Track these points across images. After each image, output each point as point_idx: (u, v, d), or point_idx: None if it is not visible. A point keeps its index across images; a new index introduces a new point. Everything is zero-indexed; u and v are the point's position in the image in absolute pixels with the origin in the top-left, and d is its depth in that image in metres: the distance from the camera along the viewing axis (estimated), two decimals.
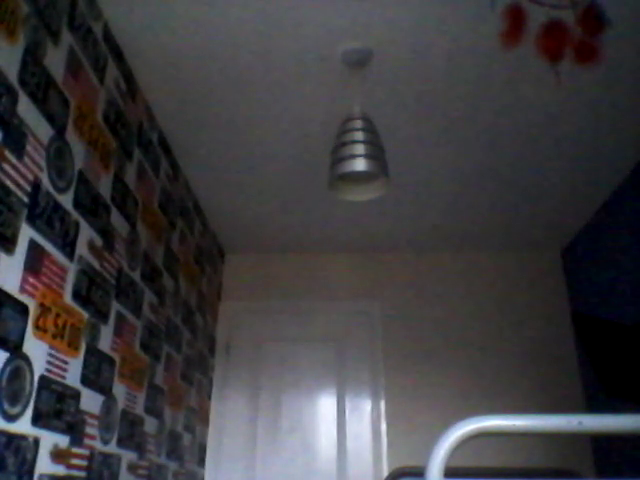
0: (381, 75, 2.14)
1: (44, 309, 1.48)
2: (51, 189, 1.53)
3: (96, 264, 1.81)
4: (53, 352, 1.53)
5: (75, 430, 1.65)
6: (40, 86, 1.48)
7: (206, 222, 3.28)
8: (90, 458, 1.75)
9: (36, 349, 1.44)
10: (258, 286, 3.61)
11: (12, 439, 1.33)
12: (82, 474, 1.69)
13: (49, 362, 1.51)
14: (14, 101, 1.37)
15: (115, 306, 1.96)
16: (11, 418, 1.33)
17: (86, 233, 1.75)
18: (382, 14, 1.87)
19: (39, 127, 1.48)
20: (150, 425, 2.28)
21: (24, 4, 1.42)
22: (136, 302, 2.16)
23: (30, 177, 1.43)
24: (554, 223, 3.25)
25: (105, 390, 1.87)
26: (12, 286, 1.34)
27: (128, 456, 2.05)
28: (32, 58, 1.45)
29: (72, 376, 1.64)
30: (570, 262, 3.46)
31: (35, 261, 1.45)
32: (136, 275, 2.16)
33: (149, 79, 2.18)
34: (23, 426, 1.38)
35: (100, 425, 1.83)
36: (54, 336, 1.53)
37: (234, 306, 3.57)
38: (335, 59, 2.06)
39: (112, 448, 1.92)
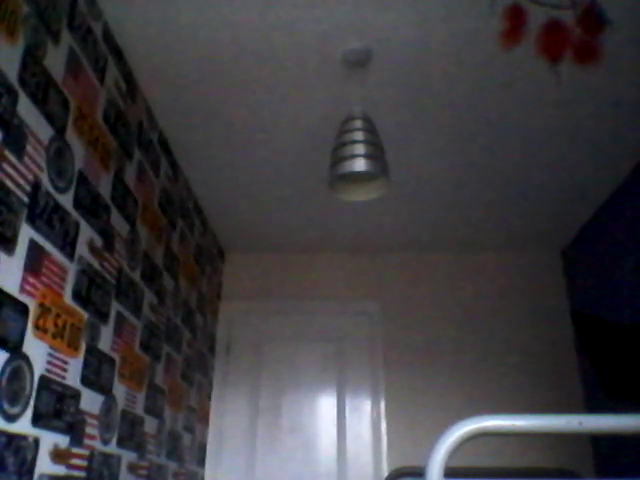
0: (381, 75, 2.14)
1: (44, 309, 1.48)
2: (51, 189, 1.53)
3: (96, 264, 1.81)
4: (53, 352, 1.53)
5: (75, 430, 1.65)
6: (40, 86, 1.48)
7: (206, 222, 3.28)
8: (90, 458, 1.75)
9: (36, 349, 1.44)
10: (258, 286, 3.61)
11: (12, 439, 1.33)
12: (82, 474, 1.69)
13: (49, 362, 1.51)
14: (14, 101, 1.37)
15: (115, 306, 1.96)
16: (11, 418, 1.33)
17: (86, 233, 1.75)
18: (382, 14, 1.87)
19: (39, 127, 1.48)
20: (150, 425, 2.28)
21: (24, 4, 1.42)
22: (136, 302, 2.16)
23: (30, 177, 1.43)
24: (554, 223, 3.25)
25: (105, 390, 1.87)
26: (12, 286, 1.34)
27: (128, 456, 2.05)
28: (32, 58, 1.45)
29: (72, 376, 1.64)
30: (570, 262, 3.46)
31: (35, 261, 1.45)
32: (136, 275, 2.16)
33: (149, 79, 2.18)
34: (23, 426, 1.38)
35: (100, 425, 1.83)
36: (54, 336, 1.53)
37: (234, 306, 3.57)
38: (335, 59, 2.06)
39: (112, 448, 1.92)
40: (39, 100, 1.48)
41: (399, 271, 3.61)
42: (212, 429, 3.26)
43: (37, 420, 1.44)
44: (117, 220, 1.99)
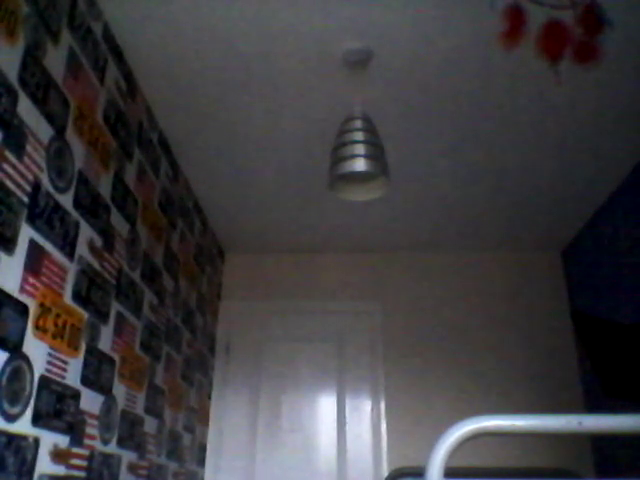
0: (381, 75, 2.14)
1: (44, 309, 1.48)
2: (51, 189, 1.53)
3: (96, 264, 1.81)
4: (53, 352, 1.53)
5: (75, 430, 1.65)
6: (40, 86, 1.48)
7: (206, 222, 3.28)
8: (90, 458, 1.75)
9: (36, 349, 1.44)
10: (258, 286, 3.61)
11: (12, 439, 1.33)
12: (82, 474, 1.69)
13: (49, 362, 1.51)
14: (14, 101, 1.37)
15: (115, 306, 1.96)
16: (11, 418, 1.33)
17: (86, 233, 1.75)
18: (382, 14, 1.87)
19: (39, 127, 1.48)
20: (150, 425, 2.28)
21: (24, 4, 1.42)
22: (136, 302, 2.16)
23: (30, 177, 1.43)
24: (554, 223, 3.25)
25: (105, 390, 1.87)
26: (12, 286, 1.34)
27: (128, 456, 2.05)
28: (32, 58, 1.45)
29: (72, 376, 1.64)
30: (570, 262, 3.46)
31: (35, 261, 1.45)
32: (136, 275, 2.16)
33: (149, 79, 2.18)
34: (23, 426, 1.38)
35: (100, 425, 1.83)
36: (54, 336, 1.53)
37: (234, 306, 3.57)
38: (335, 59, 2.06)
39: (112, 448, 1.92)
40: (39, 100, 1.48)
41: (399, 271, 3.61)
42: (212, 429, 3.26)
43: (37, 420, 1.44)
44: (117, 220, 1.99)
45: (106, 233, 1.90)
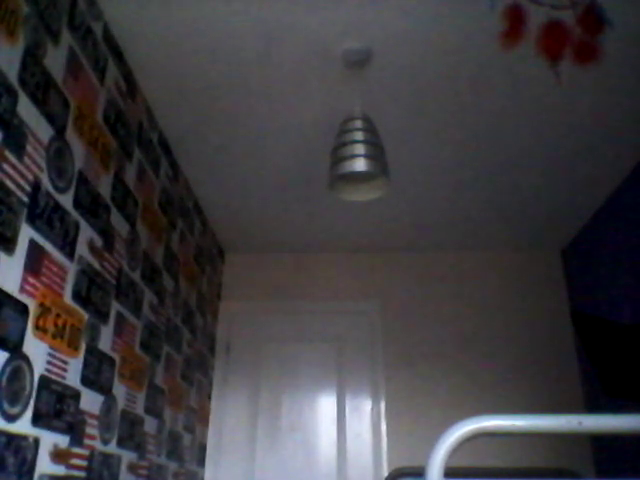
0: (381, 75, 2.14)
1: (44, 309, 1.48)
2: (51, 189, 1.53)
3: (96, 264, 1.81)
4: (53, 352, 1.53)
5: (75, 430, 1.65)
6: (40, 86, 1.48)
7: (206, 222, 3.28)
8: (90, 458, 1.75)
9: (36, 349, 1.44)
10: (258, 286, 3.61)
11: (12, 439, 1.33)
12: (82, 474, 1.69)
13: (49, 362, 1.51)
14: (14, 101, 1.37)
15: (115, 306, 1.96)
16: (11, 418, 1.33)
17: (86, 233, 1.75)
18: (382, 14, 1.87)
19: (39, 127, 1.48)
20: (150, 425, 2.28)
21: (24, 4, 1.42)
22: (136, 302, 2.16)
23: (30, 177, 1.43)
24: (554, 223, 3.25)
25: (105, 390, 1.87)
26: (12, 286, 1.34)
27: (128, 456, 2.05)
28: (32, 58, 1.45)
29: (72, 376, 1.64)
30: (570, 262, 3.46)
31: (35, 261, 1.45)
32: (136, 275, 2.16)
33: (149, 79, 2.18)
34: (23, 426, 1.38)
35: (100, 425, 1.83)
36: (54, 336, 1.53)
37: (234, 306, 3.57)
38: (335, 59, 2.06)
39: (112, 448, 1.92)
40: (39, 100, 1.48)
41: (399, 271, 3.61)
42: (212, 429, 3.26)
43: (37, 420, 1.44)
44: (117, 220, 1.99)
45: (106, 233, 1.90)
